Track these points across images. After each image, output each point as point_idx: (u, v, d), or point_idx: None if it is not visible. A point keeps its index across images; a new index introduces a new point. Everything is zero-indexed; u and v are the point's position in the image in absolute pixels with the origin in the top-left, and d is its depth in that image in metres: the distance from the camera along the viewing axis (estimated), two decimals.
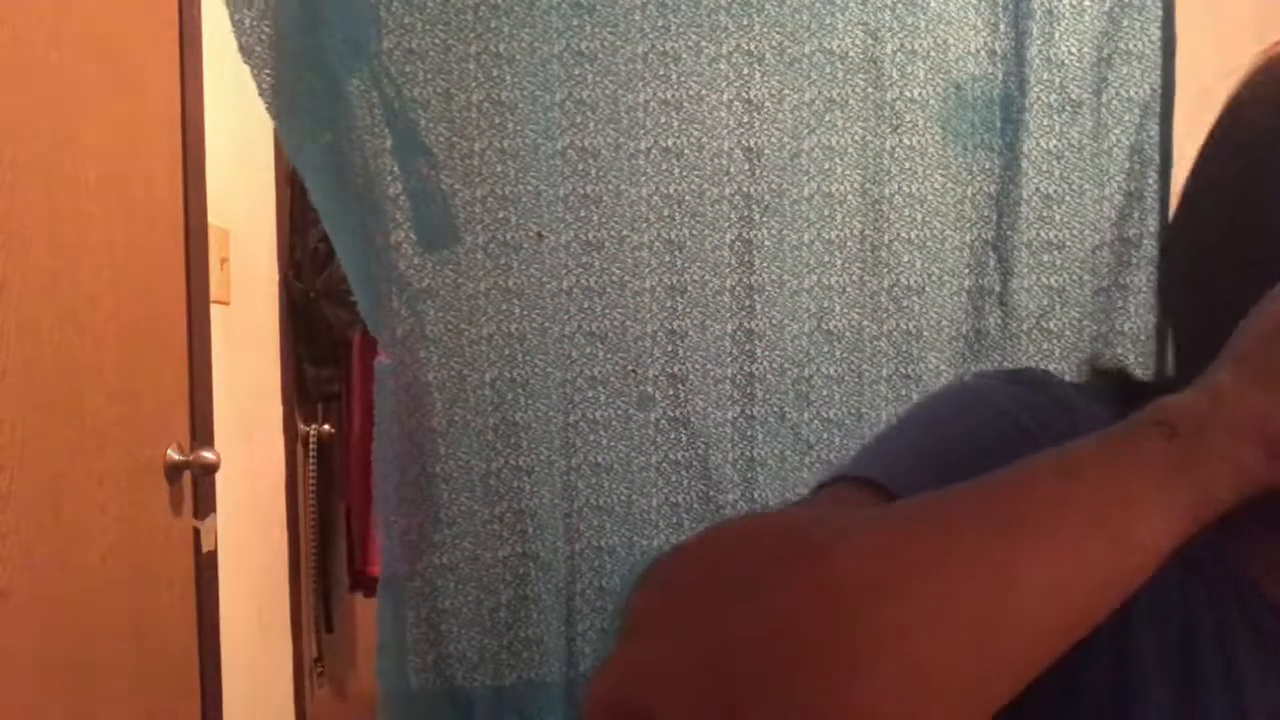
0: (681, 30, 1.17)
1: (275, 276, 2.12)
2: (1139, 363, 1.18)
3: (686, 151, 1.18)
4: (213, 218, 1.57)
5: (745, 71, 1.18)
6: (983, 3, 1.19)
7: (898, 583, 0.35)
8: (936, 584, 0.35)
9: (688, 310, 1.19)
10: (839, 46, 1.19)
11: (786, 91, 1.19)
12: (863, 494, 0.45)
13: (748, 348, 1.20)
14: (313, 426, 2.26)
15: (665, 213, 1.18)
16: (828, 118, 1.19)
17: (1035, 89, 1.19)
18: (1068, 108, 1.21)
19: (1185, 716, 0.45)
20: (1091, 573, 0.36)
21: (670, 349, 1.19)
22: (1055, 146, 1.21)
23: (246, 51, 1.03)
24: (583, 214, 1.16)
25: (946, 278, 1.22)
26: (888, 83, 1.19)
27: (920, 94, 1.20)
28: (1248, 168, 0.50)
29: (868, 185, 1.20)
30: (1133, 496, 0.37)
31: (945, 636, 0.34)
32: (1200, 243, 0.52)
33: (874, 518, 0.39)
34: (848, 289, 1.21)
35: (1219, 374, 0.40)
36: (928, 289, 1.22)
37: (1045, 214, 1.22)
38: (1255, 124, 0.51)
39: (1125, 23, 1.21)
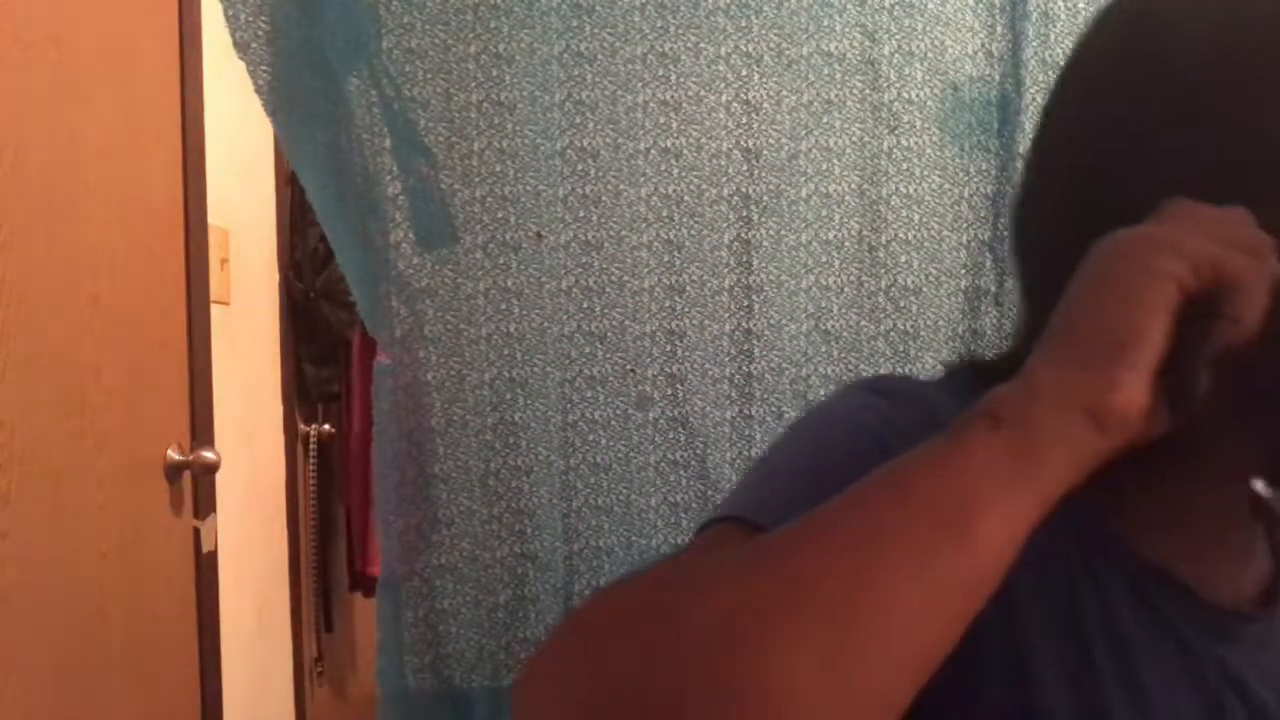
0: (680, 32, 1.17)
1: (275, 276, 2.12)
2: None
3: (685, 152, 1.18)
4: (213, 218, 1.58)
5: (744, 73, 1.18)
6: (980, 5, 1.20)
7: (750, 630, 0.34)
8: (788, 625, 0.34)
9: (686, 310, 1.19)
10: (837, 48, 1.19)
11: (784, 93, 1.19)
12: (737, 534, 0.45)
13: (746, 348, 1.20)
14: (313, 426, 2.26)
15: (664, 213, 1.18)
16: (825, 119, 1.20)
17: (1032, 90, 1.19)
18: None
19: (1084, 708, 0.45)
20: (941, 582, 0.36)
21: (669, 349, 1.19)
22: None
23: (241, 47, 1.03)
24: (582, 214, 1.17)
25: (943, 278, 1.22)
26: (885, 84, 1.19)
27: (918, 95, 1.20)
28: (1084, 125, 0.50)
29: (865, 186, 1.20)
30: (968, 496, 0.36)
31: (805, 677, 0.34)
32: (1043, 208, 0.52)
33: (726, 564, 0.39)
34: (845, 289, 1.21)
35: (1037, 356, 0.40)
36: (925, 289, 1.22)
37: None
38: (1086, 81, 0.51)
39: None
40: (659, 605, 0.37)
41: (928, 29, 1.19)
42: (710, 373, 1.20)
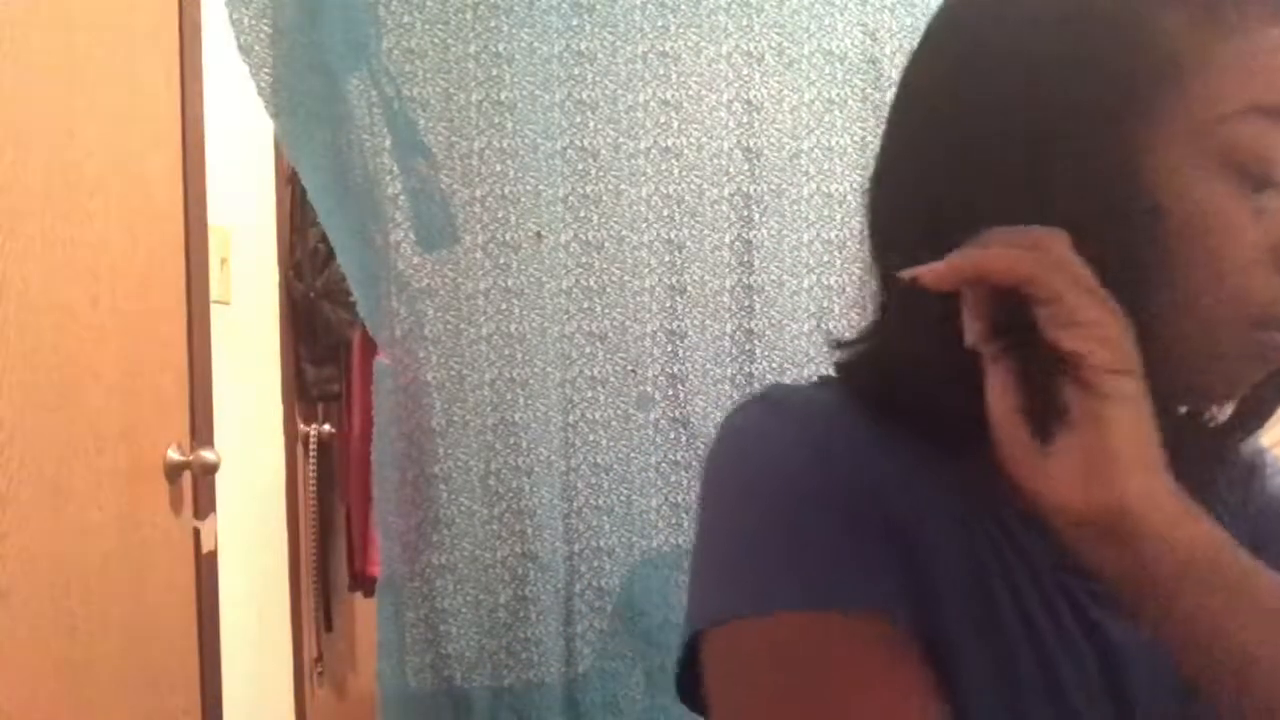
0: (681, 31, 1.17)
1: (275, 276, 2.12)
2: None
3: (686, 152, 1.18)
4: (213, 218, 1.57)
5: (745, 72, 1.18)
6: None
7: None
8: None
9: (687, 310, 1.19)
10: (838, 47, 1.19)
11: (786, 92, 1.19)
12: (811, 624, 0.46)
13: (747, 348, 1.20)
14: (313, 426, 2.26)
15: (665, 213, 1.18)
16: (827, 118, 1.19)
17: None
18: None
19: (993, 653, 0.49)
20: None
21: (670, 349, 1.19)
22: None
23: (245, 50, 1.03)
24: (582, 214, 1.16)
25: None
26: (887, 83, 1.19)
27: None
28: (928, 124, 0.52)
29: (867, 185, 1.20)
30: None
31: None
32: (895, 195, 0.56)
33: None
34: (847, 289, 1.21)
35: None
36: None
37: None
38: (929, 81, 0.53)
39: None
40: None
41: None
42: (711, 373, 1.19)
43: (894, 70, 1.19)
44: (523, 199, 1.13)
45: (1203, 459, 0.54)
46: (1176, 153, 0.45)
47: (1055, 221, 0.44)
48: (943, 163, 0.50)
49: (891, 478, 0.49)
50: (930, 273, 0.44)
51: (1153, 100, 0.45)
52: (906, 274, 0.44)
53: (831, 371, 0.59)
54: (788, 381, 1.20)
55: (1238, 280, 0.45)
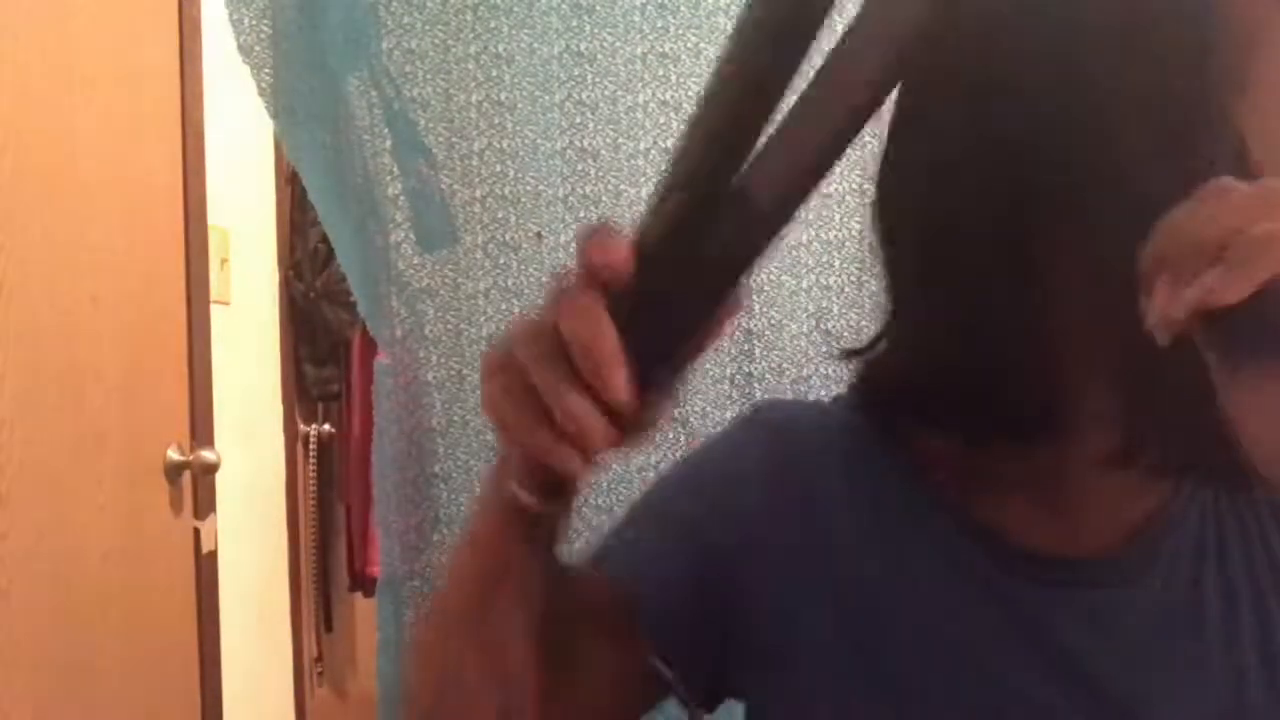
0: (681, 32, 1.17)
1: (275, 276, 2.12)
2: None
3: None
4: (213, 218, 1.58)
5: None
6: None
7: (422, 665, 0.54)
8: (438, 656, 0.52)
9: None
10: None
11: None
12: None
13: (746, 347, 1.20)
14: (313, 426, 2.26)
15: None
16: None
17: None
18: None
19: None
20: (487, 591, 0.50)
21: None
22: None
23: (245, 50, 1.03)
24: (582, 214, 1.16)
25: None
26: None
27: None
28: (941, 113, 0.53)
29: (866, 185, 1.20)
30: (484, 529, 0.50)
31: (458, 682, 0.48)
32: (905, 191, 0.56)
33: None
34: (846, 289, 1.21)
35: None
36: None
37: None
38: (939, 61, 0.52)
39: None
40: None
41: None
42: (710, 373, 1.19)
43: None
44: (523, 199, 1.13)
45: None
46: (1266, 121, 0.45)
47: (1167, 199, 0.40)
48: (979, 147, 0.49)
49: (822, 501, 0.54)
50: (1220, 290, 0.35)
51: (1234, 69, 0.45)
52: (1159, 286, 0.37)
53: (830, 370, 0.61)
54: (786, 381, 1.20)
55: None
